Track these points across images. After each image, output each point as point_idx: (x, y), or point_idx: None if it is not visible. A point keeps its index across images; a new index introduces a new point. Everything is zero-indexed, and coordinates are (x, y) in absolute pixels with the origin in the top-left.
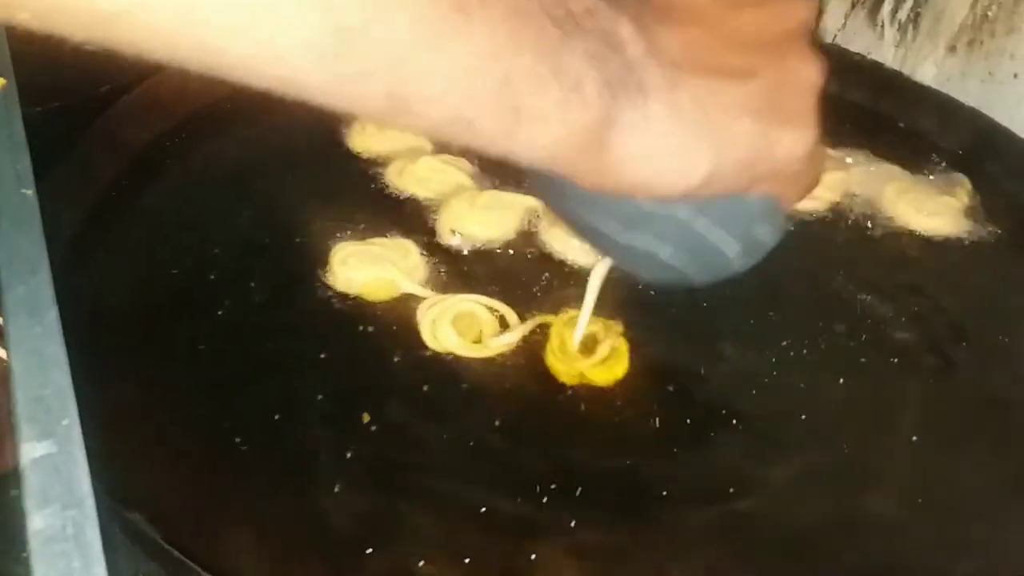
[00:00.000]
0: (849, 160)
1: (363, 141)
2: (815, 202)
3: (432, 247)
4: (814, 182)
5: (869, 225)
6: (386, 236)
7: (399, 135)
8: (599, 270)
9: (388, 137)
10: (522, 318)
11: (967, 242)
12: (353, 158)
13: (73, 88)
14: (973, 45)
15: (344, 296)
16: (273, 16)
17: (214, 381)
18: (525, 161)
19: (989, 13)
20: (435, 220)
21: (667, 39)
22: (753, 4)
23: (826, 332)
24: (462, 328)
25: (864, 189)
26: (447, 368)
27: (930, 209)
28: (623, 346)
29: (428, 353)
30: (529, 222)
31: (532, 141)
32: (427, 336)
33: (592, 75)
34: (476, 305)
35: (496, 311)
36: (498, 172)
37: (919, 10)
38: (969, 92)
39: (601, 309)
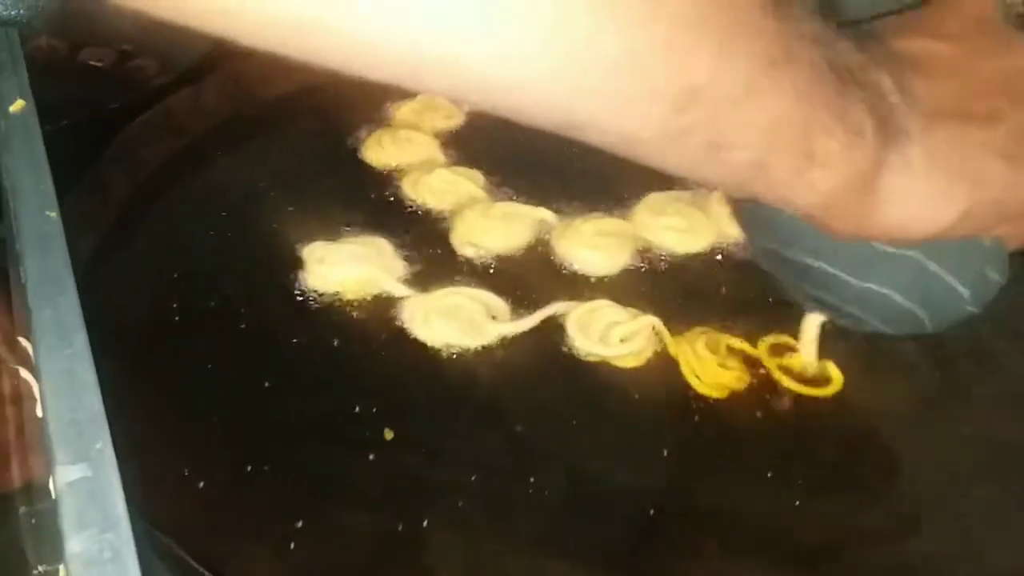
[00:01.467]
0: None
1: (377, 154)
2: None
3: (445, 259)
4: None
5: None
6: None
7: (413, 147)
8: (814, 320)
9: (402, 150)
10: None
11: None
12: (368, 170)
13: (82, 106)
14: None
15: (345, 303)
16: (641, 82)
17: (236, 399)
18: (799, 206)
19: None
20: (449, 231)
21: (919, 89)
22: (992, 54)
23: None
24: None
25: None
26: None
27: None
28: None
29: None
30: (541, 234)
31: (815, 185)
32: (420, 331)
33: (869, 122)
34: (466, 299)
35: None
36: (510, 184)
37: None
38: None
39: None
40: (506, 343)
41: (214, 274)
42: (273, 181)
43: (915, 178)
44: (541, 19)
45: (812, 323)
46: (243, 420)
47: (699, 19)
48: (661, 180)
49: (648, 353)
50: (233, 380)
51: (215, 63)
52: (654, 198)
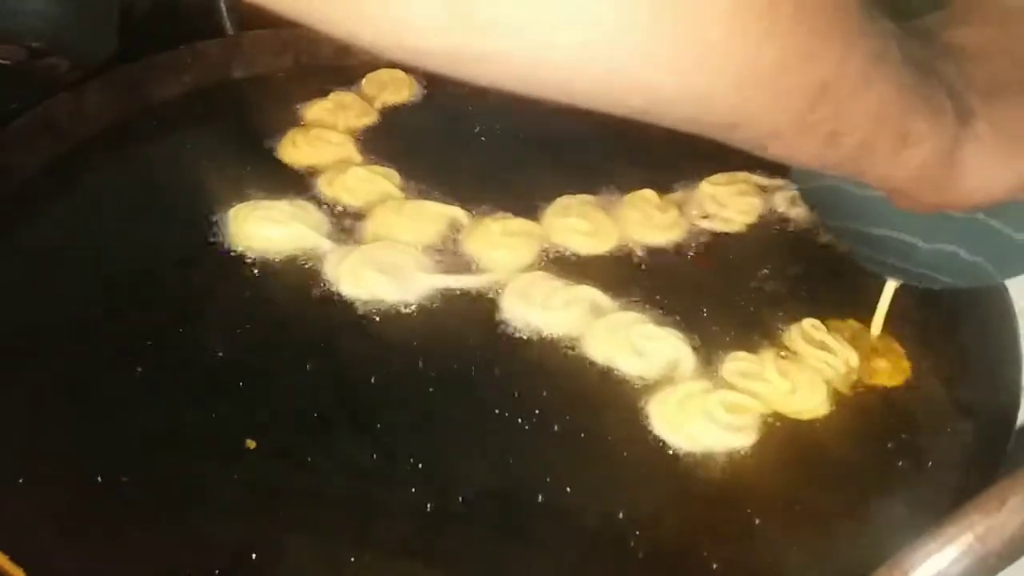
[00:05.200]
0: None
1: (293, 153)
2: None
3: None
4: None
5: None
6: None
7: (328, 146)
8: (890, 285)
9: (316, 149)
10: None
11: None
12: (283, 169)
13: None
14: None
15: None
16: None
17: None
18: (893, 182)
19: None
20: (360, 226)
21: (973, 72)
22: None
23: None
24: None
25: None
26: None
27: None
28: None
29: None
30: (452, 232)
31: (908, 161)
32: (347, 285)
33: (948, 104)
34: (398, 253)
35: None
36: (425, 182)
37: None
38: None
39: None
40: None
41: (96, 279)
42: (178, 179)
43: (984, 149)
44: (722, 36)
45: (888, 290)
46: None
47: (828, 23)
48: (570, 184)
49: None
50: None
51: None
52: (562, 201)
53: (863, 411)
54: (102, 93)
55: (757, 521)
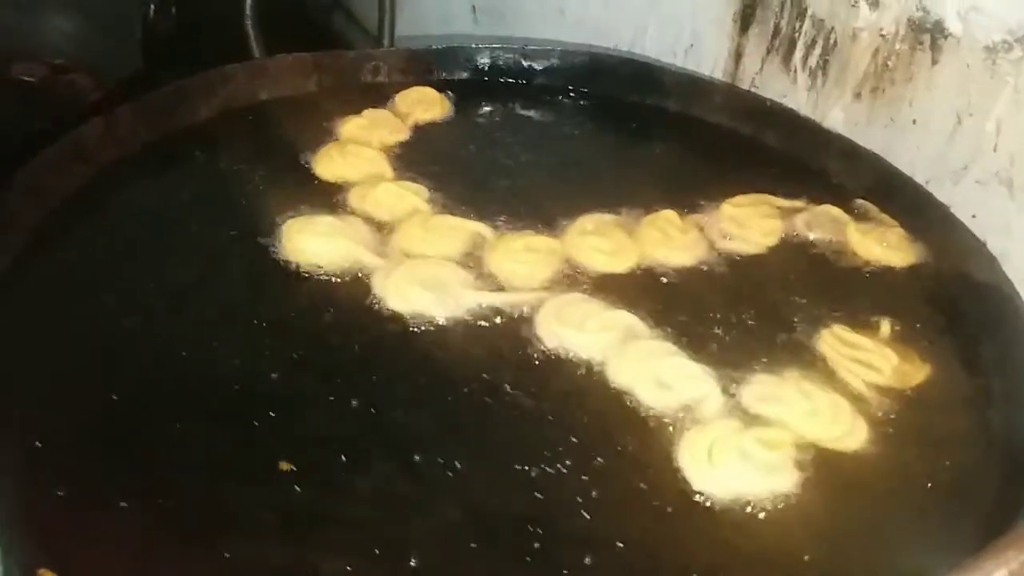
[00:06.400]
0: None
1: (329, 167)
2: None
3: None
4: None
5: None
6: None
7: (362, 162)
8: None
9: (350, 164)
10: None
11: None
12: (318, 182)
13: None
14: (876, 92)
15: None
16: None
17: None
18: None
19: (889, 63)
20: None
21: None
22: None
23: None
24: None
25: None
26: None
27: (890, 242)
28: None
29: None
30: (476, 247)
31: None
32: (394, 299)
33: None
34: (444, 267)
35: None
36: (451, 197)
37: (827, 57)
38: (874, 136)
39: None
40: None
41: (132, 299)
42: (212, 201)
43: None
44: None
45: None
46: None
47: None
48: (592, 203)
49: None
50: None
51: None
52: (584, 220)
53: (896, 439)
54: (134, 118)
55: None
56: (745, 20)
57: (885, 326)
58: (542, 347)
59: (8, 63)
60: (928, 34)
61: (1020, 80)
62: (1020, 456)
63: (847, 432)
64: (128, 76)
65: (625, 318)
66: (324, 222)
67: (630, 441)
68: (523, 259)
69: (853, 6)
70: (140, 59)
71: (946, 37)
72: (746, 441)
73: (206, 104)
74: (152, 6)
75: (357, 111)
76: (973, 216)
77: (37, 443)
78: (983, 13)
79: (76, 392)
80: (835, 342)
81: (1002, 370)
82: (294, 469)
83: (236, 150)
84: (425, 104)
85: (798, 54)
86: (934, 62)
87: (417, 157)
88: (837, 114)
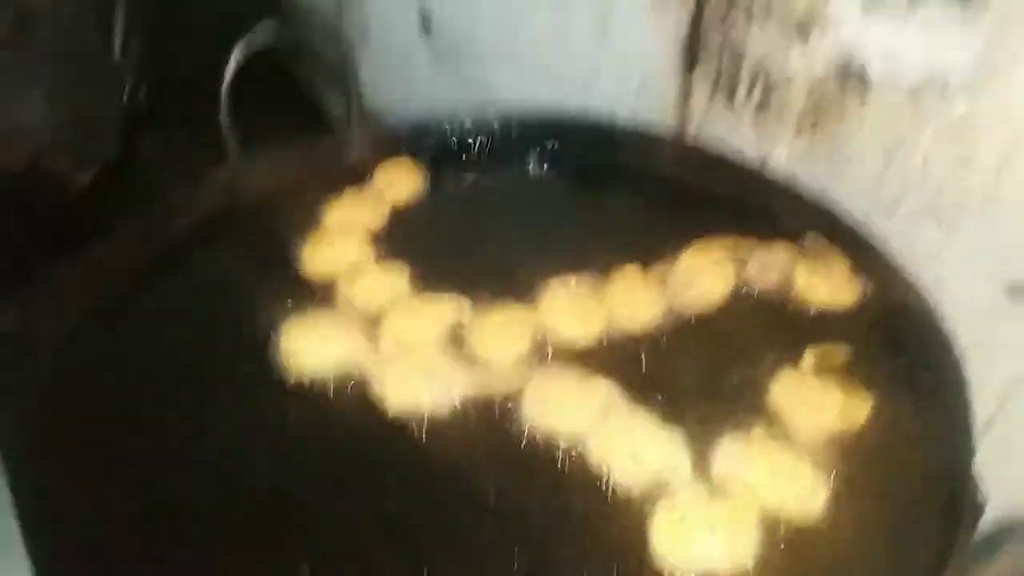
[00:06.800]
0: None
1: (314, 263)
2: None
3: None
4: None
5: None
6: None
7: (344, 251)
8: None
9: (335, 255)
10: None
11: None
12: (309, 279)
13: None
14: (815, 129)
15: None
16: None
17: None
18: None
19: (822, 103)
20: (378, 329)
21: None
22: None
23: None
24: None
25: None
26: None
27: (835, 282)
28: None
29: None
30: (456, 324)
31: None
32: (392, 397)
33: None
34: (433, 356)
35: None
36: (432, 274)
37: (767, 97)
38: (816, 172)
39: None
40: None
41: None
42: (204, 312)
43: None
44: None
45: None
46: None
47: None
48: (562, 265)
49: None
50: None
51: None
52: (554, 286)
53: (850, 492)
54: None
55: None
56: (690, 62)
57: (830, 357)
58: (529, 434)
59: None
60: (854, 77)
61: (941, 118)
62: (956, 486)
63: (808, 493)
64: (108, 159)
65: (601, 390)
66: (318, 327)
67: (609, 525)
68: (501, 335)
69: (786, 51)
70: (118, 143)
71: (870, 80)
72: (713, 514)
73: (188, 214)
74: (127, 90)
75: (338, 192)
76: (907, 246)
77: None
78: (903, 58)
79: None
80: (788, 389)
81: (936, 399)
82: None
83: (225, 254)
84: (399, 178)
85: (740, 94)
86: (862, 103)
87: (396, 235)
88: (781, 151)
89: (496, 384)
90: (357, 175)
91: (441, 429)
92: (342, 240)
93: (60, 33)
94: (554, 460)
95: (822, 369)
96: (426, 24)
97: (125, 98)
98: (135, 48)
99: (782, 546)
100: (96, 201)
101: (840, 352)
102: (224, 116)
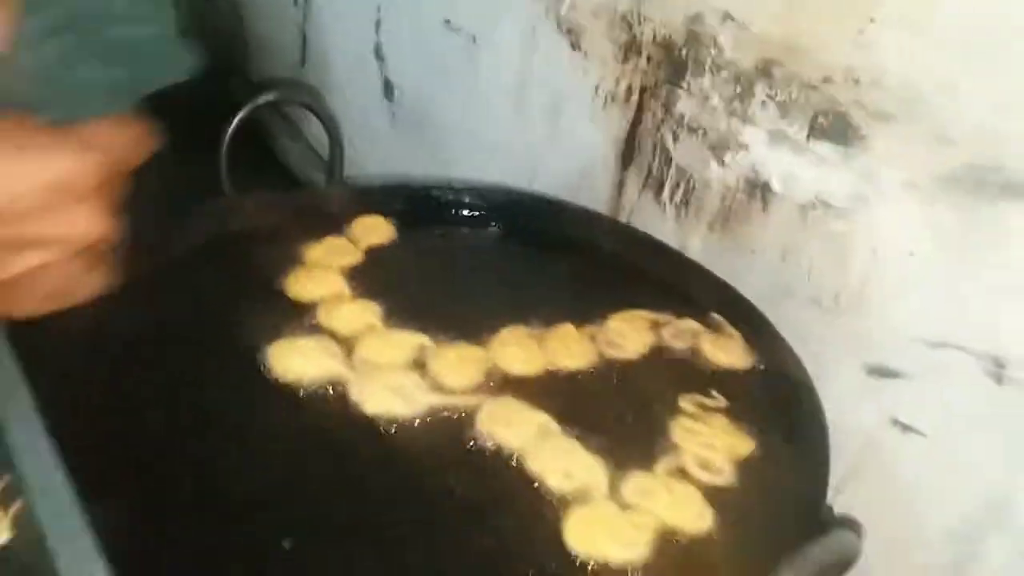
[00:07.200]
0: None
1: (297, 290)
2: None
3: None
4: None
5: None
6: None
7: (324, 284)
8: None
9: (316, 286)
10: None
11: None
12: (293, 303)
13: None
14: (725, 226)
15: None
16: None
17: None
18: None
19: (733, 207)
20: (353, 351)
21: None
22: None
23: None
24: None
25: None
26: None
27: (733, 349)
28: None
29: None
30: (420, 353)
31: None
32: (370, 404)
33: None
34: (403, 374)
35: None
36: (400, 313)
37: (688, 197)
38: (724, 262)
39: None
40: None
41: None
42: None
43: None
44: None
45: None
46: None
47: None
48: (512, 315)
49: None
50: None
51: None
52: (504, 333)
53: (731, 515)
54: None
55: None
56: (625, 160)
57: (718, 403)
58: (482, 444)
59: None
60: (759, 189)
61: (824, 230)
62: (812, 510)
63: (699, 514)
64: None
65: (539, 417)
66: (304, 343)
67: (539, 519)
68: (458, 367)
69: (706, 162)
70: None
71: (772, 193)
72: (617, 520)
73: (183, 240)
74: None
75: (319, 237)
76: (793, 327)
77: None
78: (798, 181)
79: None
80: (686, 430)
81: (803, 442)
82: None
83: (218, 277)
84: (374, 230)
85: (666, 192)
86: (764, 210)
87: (370, 276)
88: (696, 242)
89: (455, 402)
90: (336, 223)
91: (410, 435)
92: (321, 275)
93: None
94: (503, 466)
95: (700, 411)
96: (388, 90)
97: None
98: None
99: (673, 550)
100: None
101: (715, 400)
102: (224, 176)
